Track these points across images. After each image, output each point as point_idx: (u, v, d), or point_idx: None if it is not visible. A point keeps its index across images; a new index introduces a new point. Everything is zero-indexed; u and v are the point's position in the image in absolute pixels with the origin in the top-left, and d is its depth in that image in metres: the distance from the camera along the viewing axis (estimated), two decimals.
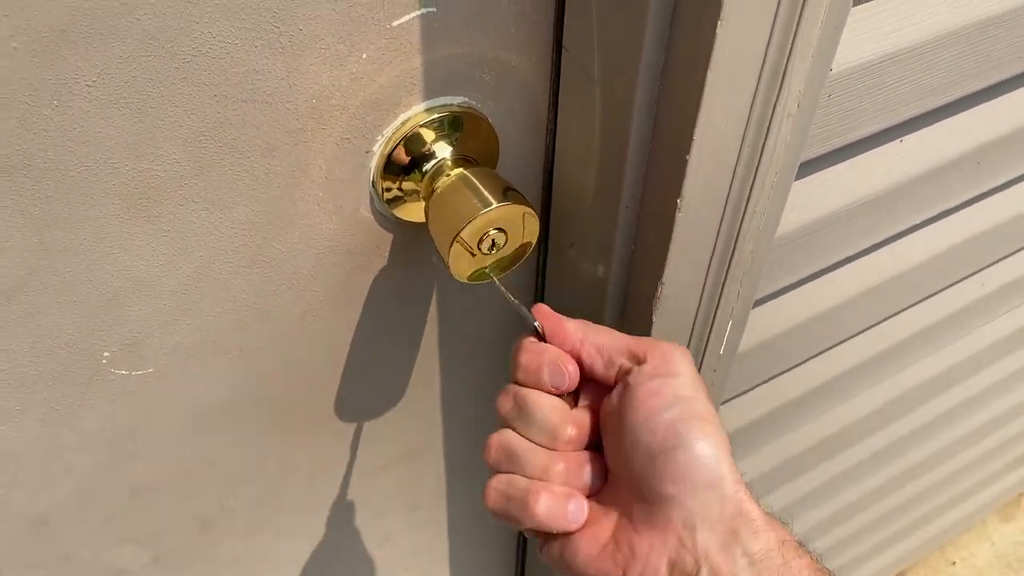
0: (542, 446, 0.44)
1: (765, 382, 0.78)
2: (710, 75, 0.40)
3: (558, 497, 0.42)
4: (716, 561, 0.38)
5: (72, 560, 0.61)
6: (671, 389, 0.41)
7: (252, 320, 0.53)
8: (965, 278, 0.85)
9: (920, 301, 0.82)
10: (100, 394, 0.51)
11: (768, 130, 0.44)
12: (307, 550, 0.75)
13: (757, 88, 0.42)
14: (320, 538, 0.75)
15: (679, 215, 0.46)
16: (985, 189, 0.73)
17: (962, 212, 0.74)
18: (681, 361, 0.43)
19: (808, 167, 0.56)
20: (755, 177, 0.47)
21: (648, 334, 0.54)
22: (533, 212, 0.49)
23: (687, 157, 0.43)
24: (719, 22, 0.38)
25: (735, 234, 0.50)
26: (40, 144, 0.39)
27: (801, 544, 0.40)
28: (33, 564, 0.59)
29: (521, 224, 0.49)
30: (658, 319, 0.53)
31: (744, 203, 0.48)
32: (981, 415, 1.26)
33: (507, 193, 0.48)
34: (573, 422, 0.45)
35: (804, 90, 0.44)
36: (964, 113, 0.62)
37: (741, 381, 0.74)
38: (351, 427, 0.66)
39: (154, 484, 0.59)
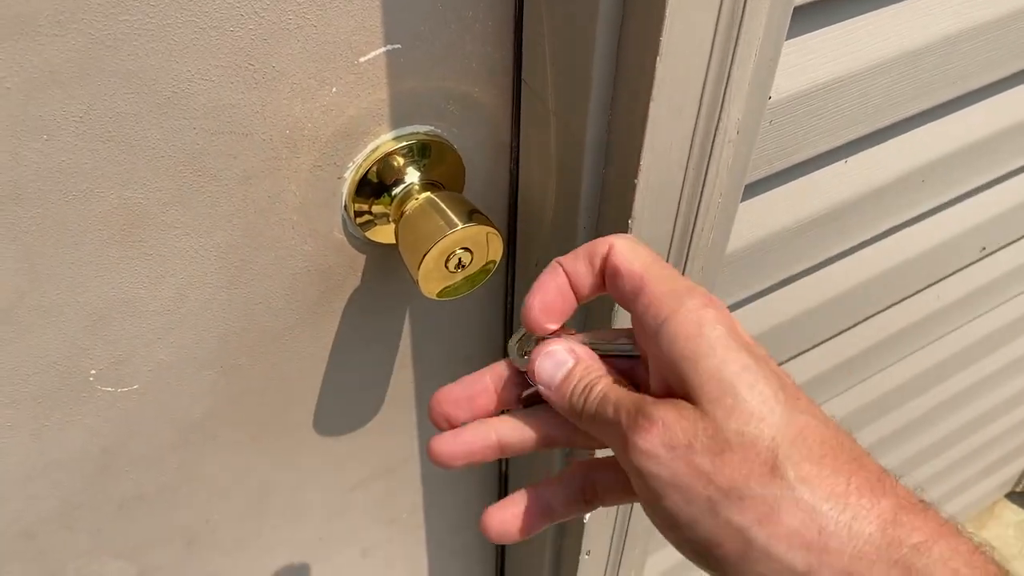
0: None
1: None
2: (652, 107, 0.43)
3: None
4: None
5: (58, 575, 0.63)
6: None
7: (231, 338, 0.56)
8: (920, 291, 0.88)
9: (876, 314, 0.86)
10: (88, 410, 0.54)
11: (710, 155, 0.48)
12: (289, 565, 0.78)
13: (698, 117, 0.45)
14: (301, 553, 0.77)
15: (630, 233, 0.50)
16: (934, 205, 0.77)
17: (914, 227, 0.78)
18: None
19: (756, 187, 0.59)
20: (700, 198, 0.50)
21: None
22: (497, 232, 0.52)
23: (635, 181, 0.47)
24: (658, 59, 0.41)
25: (685, 251, 0.54)
26: (31, 176, 0.42)
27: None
28: None
29: (485, 243, 0.52)
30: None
31: (692, 222, 0.52)
32: (948, 423, 1.29)
33: (472, 215, 0.51)
34: None
35: (743, 118, 0.47)
36: (906, 134, 0.66)
37: None
38: (329, 442, 0.69)
39: (139, 499, 0.62)
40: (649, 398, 0.36)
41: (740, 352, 0.35)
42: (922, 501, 0.34)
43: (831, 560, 0.31)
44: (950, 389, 1.18)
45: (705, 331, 0.35)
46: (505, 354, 0.45)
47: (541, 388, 0.41)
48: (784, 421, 0.33)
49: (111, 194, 0.45)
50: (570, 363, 0.40)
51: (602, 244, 0.39)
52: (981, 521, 1.89)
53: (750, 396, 0.33)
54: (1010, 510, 1.91)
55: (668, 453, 0.34)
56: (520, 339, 0.44)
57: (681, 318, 0.35)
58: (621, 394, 0.37)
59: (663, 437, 0.34)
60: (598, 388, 0.38)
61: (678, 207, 0.50)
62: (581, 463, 0.43)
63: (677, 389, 0.36)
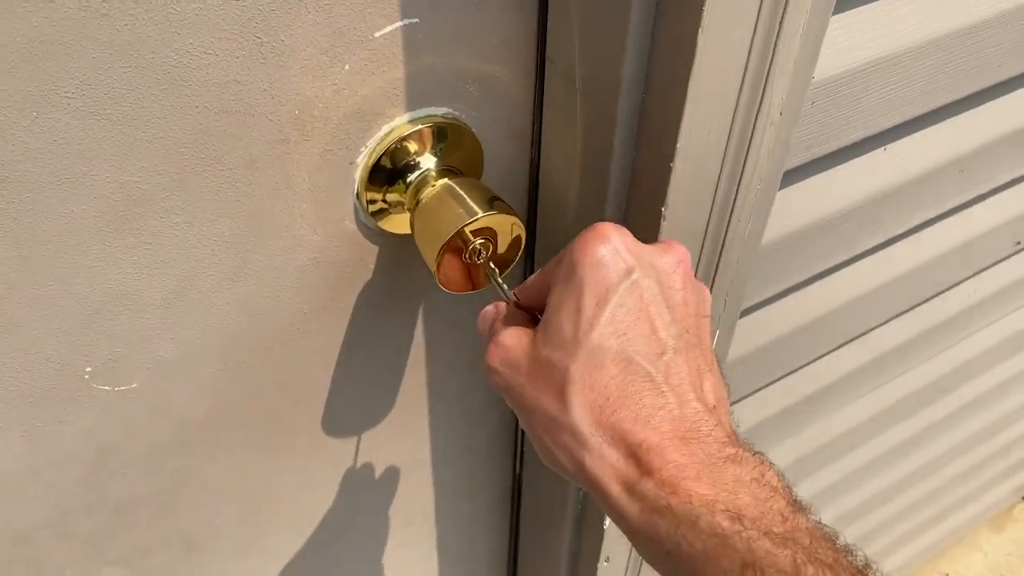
0: None
1: (750, 394, 0.78)
2: (692, 84, 0.40)
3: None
4: None
5: None
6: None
7: (235, 334, 0.53)
8: (953, 286, 0.85)
9: (909, 309, 0.82)
10: (83, 410, 0.51)
11: (751, 138, 0.45)
12: (294, 570, 0.75)
13: (739, 97, 0.42)
14: (308, 558, 0.74)
15: (664, 223, 0.47)
16: (970, 197, 0.73)
17: (948, 220, 0.75)
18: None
19: (793, 175, 0.56)
20: (739, 184, 0.47)
21: None
22: (519, 221, 0.49)
23: (671, 165, 0.43)
24: (700, 30, 0.38)
25: (721, 242, 0.50)
26: (19, 156, 0.39)
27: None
28: None
29: (508, 233, 0.49)
30: None
31: (729, 211, 0.48)
32: (971, 425, 1.26)
33: (493, 203, 0.48)
34: None
35: (786, 98, 0.44)
36: (946, 121, 0.62)
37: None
38: (337, 445, 0.66)
39: (138, 502, 0.59)
40: (505, 325, 0.44)
41: (582, 286, 0.39)
42: (664, 449, 0.37)
43: (584, 466, 0.38)
44: (975, 390, 1.15)
45: (577, 267, 0.40)
46: None
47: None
48: (583, 357, 0.38)
49: (107, 177, 0.42)
50: (489, 309, 0.47)
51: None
52: (999, 524, 1.85)
53: (557, 329, 0.40)
54: None
55: (503, 369, 0.42)
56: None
57: (573, 252, 0.40)
58: (497, 323, 0.45)
59: (501, 356, 0.42)
60: (488, 319, 0.46)
61: (715, 194, 0.47)
62: None
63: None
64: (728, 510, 0.34)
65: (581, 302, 0.39)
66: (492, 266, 0.49)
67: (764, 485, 0.36)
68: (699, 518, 0.34)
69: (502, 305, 0.46)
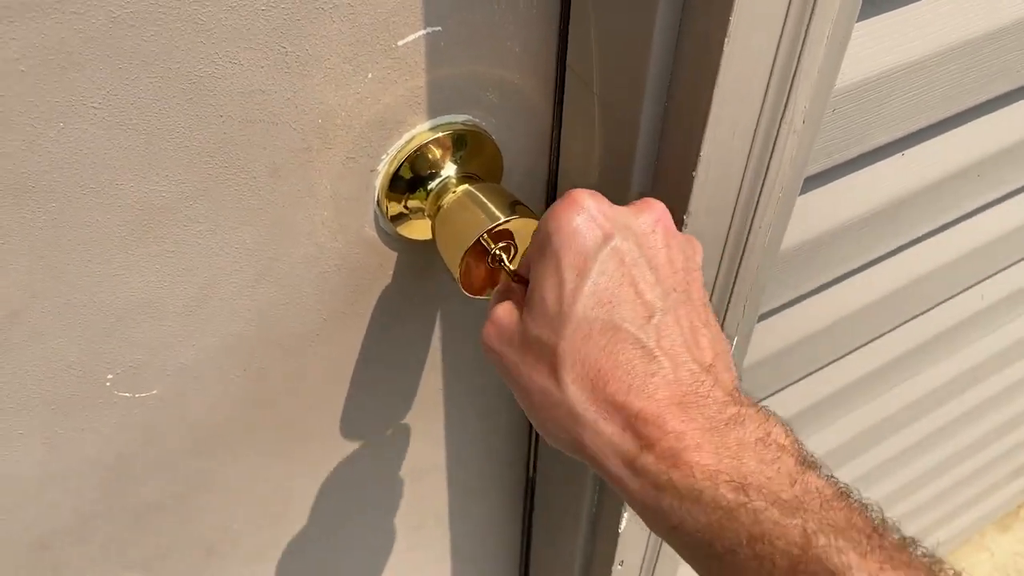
0: None
1: (766, 398, 0.78)
2: (717, 92, 0.40)
3: None
4: None
5: None
6: None
7: (256, 340, 0.53)
8: (965, 290, 0.85)
9: (921, 314, 0.82)
10: (103, 417, 0.51)
11: (774, 146, 0.44)
12: (309, 574, 0.75)
13: (763, 105, 0.42)
14: (322, 561, 0.75)
15: (685, 230, 0.46)
16: (987, 200, 0.73)
17: (964, 224, 0.74)
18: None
19: (813, 181, 0.56)
20: (761, 192, 0.47)
21: None
22: None
23: (693, 174, 0.43)
24: (726, 39, 0.38)
25: (741, 249, 0.50)
26: (46, 166, 0.39)
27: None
28: None
29: (529, 237, 0.49)
30: None
31: (750, 218, 0.48)
32: (980, 426, 1.26)
33: (514, 207, 0.48)
34: None
35: (809, 106, 0.44)
36: (965, 126, 0.62)
37: None
38: (354, 447, 0.66)
39: (157, 507, 0.59)
40: (500, 300, 0.43)
41: (560, 258, 0.39)
42: (661, 419, 0.36)
43: (583, 443, 0.38)
44: (984, 393, 1.15)
45: (552, 237, 0.39)
46: None
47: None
48: (570, 332, 0.38)
49: (131, 186, 0.42)
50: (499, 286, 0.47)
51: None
52: (1006, 524, 1.85)
53: (541, 305, 0.39)
54: None
55: (498, 346, 0.41)
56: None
57: (547, 223, 0.40)
58: (494, 299, 0.44)
59: (494, 332, 0.42)
60: (495, 295, 0.45)
61: (736, 202, 0.47)
62: None
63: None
64: (732, 480, 0.33)
65: (561, 275, 0.38)
66: (497, 251, 0.47)
67: (770, 445, 0.35)
68: (703, 492, 0.34)
69: (509, 285, 0.45)
